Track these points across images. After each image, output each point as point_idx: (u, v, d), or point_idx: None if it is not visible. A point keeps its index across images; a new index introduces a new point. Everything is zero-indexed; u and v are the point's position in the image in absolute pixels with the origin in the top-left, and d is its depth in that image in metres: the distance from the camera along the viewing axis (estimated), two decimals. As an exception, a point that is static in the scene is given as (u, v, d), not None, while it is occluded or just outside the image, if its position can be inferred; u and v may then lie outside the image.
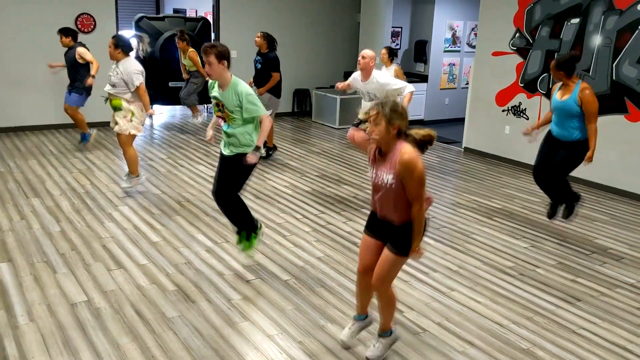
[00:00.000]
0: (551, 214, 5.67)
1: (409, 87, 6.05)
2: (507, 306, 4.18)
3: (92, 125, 8.52)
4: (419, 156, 2.94)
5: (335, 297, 4.18)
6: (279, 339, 3.61)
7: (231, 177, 4.38)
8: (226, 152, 4.37)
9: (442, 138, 10.18)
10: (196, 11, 15.81)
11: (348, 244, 5.20)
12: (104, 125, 9.33)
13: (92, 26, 9.25)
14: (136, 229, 5.31)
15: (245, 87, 4.18)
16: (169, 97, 10.72)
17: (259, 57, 7.76)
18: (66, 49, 7.74)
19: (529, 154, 8.12)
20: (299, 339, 3.61)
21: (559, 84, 5.34)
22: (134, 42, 6.02)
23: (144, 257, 4.73)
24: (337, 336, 3.65)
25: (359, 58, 5.95)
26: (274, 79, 7.68)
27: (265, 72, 7.69)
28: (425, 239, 5.38)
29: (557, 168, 5.35)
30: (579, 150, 5.21)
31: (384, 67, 8.02)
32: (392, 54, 7.99)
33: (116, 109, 5.94)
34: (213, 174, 7.13)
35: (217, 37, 10.54)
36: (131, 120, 5.96)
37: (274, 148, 8.07)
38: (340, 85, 6.43)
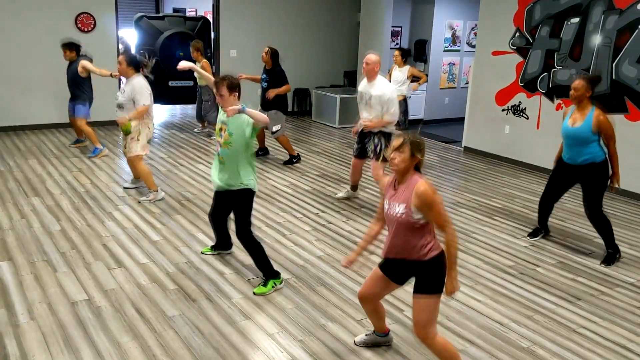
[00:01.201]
0: (532, 234, 5.55)
1: (393, 116, 5.75)
2: (507, 305, 4.18)
3: (92, 125, 8.50)
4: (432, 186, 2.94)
5: (336, 296, 4.19)
6: (279, 337, 3.62)
7: (239, 211, 4.28)
8: (222, 184, 4.23)
9: (442, 137, 10.19)
10: (196, 10, 15.81)
11: (348, 242, 5.20)
12: (104, 125, 9.34)
13: (92, 25, 9.25)
14: (136, 228, 5.31)
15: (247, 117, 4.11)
16: (169, 97, 10.73)
17: (264, 75, 7.64)
18: (68, 62, 7.61)
19: (529, 153, 8.14)
20: (299, 338, 3.62)
21: (570, 109, 4.97)
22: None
23: (144, 256, 4.73)
24: (338, 335, 3.66)
25: (363, 64, 5.79)
26: (286, 88, 7.57)
27: (273, 87, 7.56)
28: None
29: (591, 202, 4.99)
30: (599, 172, 4.91)
31: (396, 67, 8.01)
32: (405, 54, 8.05)
33: (126, 132, 5.81)
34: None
35: (217, 37, 10.54)
36: (138, 140, 5.89)
37: (298, 157, 7.97)
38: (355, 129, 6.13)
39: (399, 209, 2.94)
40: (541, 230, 5.55)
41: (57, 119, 9.28)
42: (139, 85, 5.76)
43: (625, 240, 5.59)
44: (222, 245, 4.80)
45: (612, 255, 5.05)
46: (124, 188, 6.34)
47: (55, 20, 8.96)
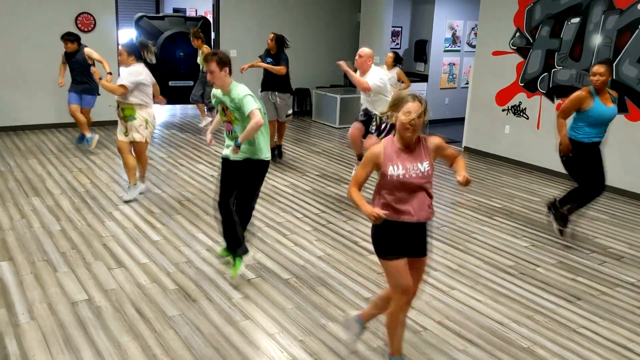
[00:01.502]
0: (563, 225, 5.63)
1: (371, 85, 6.00)
2: (507, 305, 4.18)
3: (92, 124, 8.49)
4: None
5: (336, 296, 4.19)
6: (279, 337, 3.62)
7: (247, 183, 4.32)
8: (233, 157, 4.26)
9: (442, 138, 10.17)
10: (196, 10, 15.81)
11: (349, 243, 5.20)
12: (104, 125, 9.33)
13: (92, 25, 9.25)
14: (137, 228, 5.31)
15: (240, 90, 4.13)
16: (169, 97, 10.72)
17: (270, 59, 7.68)
18: (70, 53, 7.63)
19: (529, 153, 8.14)
20: (299, 338, 3.62)
21: (589, 93, 5.08)
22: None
23: (144, 256, 4.73)
24: (338, 335, 3.66)
25: (356, 57, 6.03)
26: (279, 69, 7.58)
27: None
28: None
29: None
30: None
31: (385, 68, 8.07)
32: (397, 60, 8.35)
33: (129, 118, 5.77)
34: (213, 173, 7.15)
35: (217, 37, 10.54)
36: (147, 128, 5.88)
37: (278, 148, 8.01)
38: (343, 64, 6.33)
39: (423, 166, 3.02)
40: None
41: (57, 119, 9.28)
42: (131, 70, 5.67)
43: (625, 239, 5.59)
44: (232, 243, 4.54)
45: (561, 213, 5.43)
46: (125, 200, 6.08)
47: (55, 20, 8.96)
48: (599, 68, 5.01)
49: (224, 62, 4.10)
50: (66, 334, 3.53)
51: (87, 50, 7.57)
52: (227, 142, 4.36)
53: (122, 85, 5.61)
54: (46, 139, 8.58)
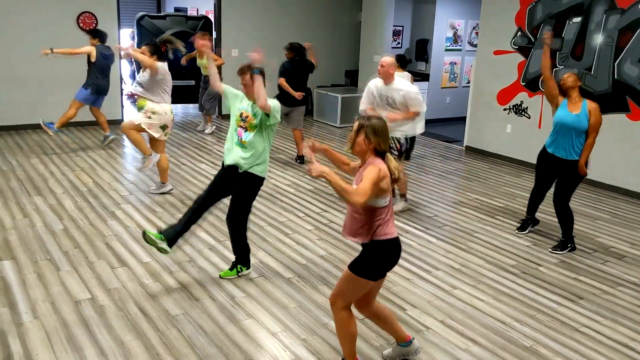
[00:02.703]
0: (520, 228, 5.66)
1: (421, 107, 5.76)
2: (509, 304, 4.19)
3: (92, 124, 8.51)
4: (385, 170, 2.92)
5: (338, 295, 4.19)
6: (282, 336, 3.62)
7: (241, 196, 4.26)
8: (236, 162, 4.15)
9: (443, 137, 10.19)
10: (197, 10, 15.79)
11: (350, 242, 5.19)
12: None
13: (93, 25, 9.24)
14: (139, 227, 5.31)
15: (274, 104, 4.11)
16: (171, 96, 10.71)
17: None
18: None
19: (531, 153, 8.13)
20: (302, 337, 3.62)
21: (563, 100, 5.15)
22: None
23: (147, 255, 4.73)
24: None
25: (379, 67, 5.67)
26: (281, 83, 7.70)
27: (302, 77, 7.79)
28: (427, 237, 5.41)
29: (562, 194, 5.17)
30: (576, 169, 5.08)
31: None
32: (403, 64, 7.98)
33: (140, 108, 6.01)
34: (214, 172, 7.14)
35: (219, 36, 10.53)
36: (149, 117, 5.97)
37: (302, 158, 8.06)
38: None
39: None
40: (529, 219, 5.70)
41: (58, 118, 9.27)
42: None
43: (627, 238, 5.60)
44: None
45: (564, 244, 5.24)
46: (150, 193, 6.30)
47: (57, 19, 8.96)
48: (567, 75, 5.17)
49: (262, 74, 4.00)
50: (69, 332, 3.54)
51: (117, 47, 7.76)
52: (231, 148, 4.20)
53: (153, 63, 5.79)
54: (48, 138, 8.58)
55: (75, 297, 3.98)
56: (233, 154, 4.17)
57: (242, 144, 4.15)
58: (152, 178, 6.80)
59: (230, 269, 4.42)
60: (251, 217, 5.58)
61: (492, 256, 5.05)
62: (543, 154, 5.32)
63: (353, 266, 3.03)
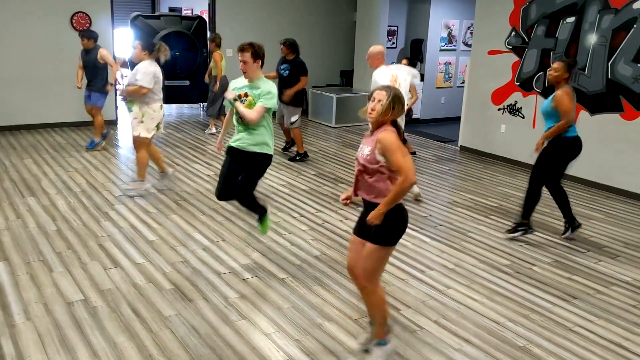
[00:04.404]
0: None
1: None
2: (503, 304, 4.19)
3: (91, 124, 8.48)
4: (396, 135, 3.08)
5: (333, 296, 4.19)
6: (276, 337, 3.61)
7: (249, 173, 4.53)
8: (239, 144, 4.45)
9: (438, 137, 10.20)
10: (192, 10, 15.79)
11: (345, 242, 5.20)
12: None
13: (87, 25, 9.22)
14: (133, 228, 5.30)
15: (272, 87, 4.35)
16: (164, 96, 10.69)
17: (285, 65, 7.72)
18: (85, 50, 7.69)
19: (525, 152, 8.14)
20: (296, 337, 3.62)
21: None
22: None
23: (140, 255, 4.72)
24: (335, 334, 3.66)
25: (367, 59, 6.32)
26: (303, 82, 7.70)
27: (293, 78, 7.69)
28: (421, 236, 5.41)
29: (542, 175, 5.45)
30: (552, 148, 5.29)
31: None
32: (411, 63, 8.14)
33: (130, 109, 6.01)
34: (210, 172, 7.15)
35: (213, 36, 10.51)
36: (142, 122, 5.95)
37: (305, 154, 8.08)
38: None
39: (365, 149, 3.12)
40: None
41: (52, 119, 9.26)
42: (144, 67, 5.84)
43: (620, 238, 5.61)
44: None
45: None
46: (125, 190, 6.28)
47: (51, 19, 8.94)
48: (554, 64, 5.16)
49: (259, 54, 4.26)
50: (62, 334, 3.53)
51: (102, 52, 7.66)
52: (237, 132, 4.50)
53: (142, 87, 5.79)
54: (42, 139, 8.55)
55: (68, 298, 3.97)
56: (237, 139, 4.46)
57: (244, 125, 4.36)
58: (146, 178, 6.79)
59: (262, 222, 4.80)
60: (246, 217, 5.59)
61: (486, 256, 5.05)
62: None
63: (379, 238, 3.10)
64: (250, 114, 4.30)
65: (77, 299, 3.96)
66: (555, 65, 5.15)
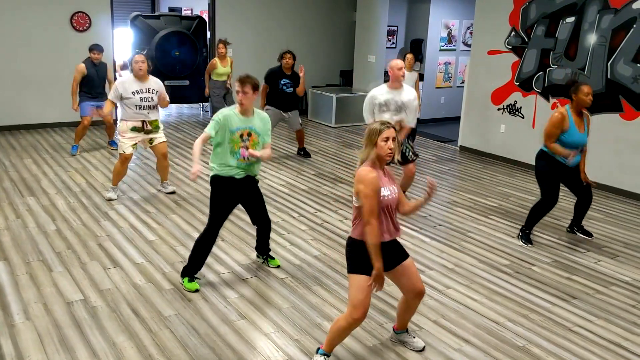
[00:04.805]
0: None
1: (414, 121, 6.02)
2: (503, 304, 4.19)
3: (92, 124, 8.45)
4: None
5: (332, 295, 4.19)
6: (275, 337, 3.62)
7: (260, 197, 4.51)
8: (250, 173, 4.30)
9: (437, 137, 10.20)
10: (192, 10, 15.78)
11: (344, 242, 5.19)
12: (100, 124, 9.31)
13: (87, 25, 9.22)
14: (132, 228, 5.30)
15: (264, 115, 4.30)
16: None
17: (287, 80, 7.73)
18: (92, 63, 7.64)
19: (525, 152, 8.15)
20: (295, 337, 3.62)
21: (567, 112, 5.02)
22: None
23: (140, 255, 4.72)
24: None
25: (391, 70, 5.70)
26: (301, 88, 7.84)
27: (295, 90, 7.80)
28: (421, 236, 5.42)
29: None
30: None
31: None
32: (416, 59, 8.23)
33: (157, 128, 6.06)
34: (209, 172, 7.13)
35: (213, 36, 10.52)
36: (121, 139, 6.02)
37: (304, 150, 8.36)
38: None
39: (394, 188, 3.20)
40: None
41: (52, 119, 9.26)
42: (160, 82, 6.00)
43: (620, 238, 5.61)
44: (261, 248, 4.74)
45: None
46: (166, 193, 6.34)
47: (50, 19, 8.93)
48: (589, 88, 4.95)
49: (257, 86, 4.12)
50: (62, 334, 3.53)
51: (109, 67, 7.77)
52: (234, 164, 4.23)
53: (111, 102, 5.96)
54: (41, 139, 8.55)
55: (67, 298, 3.97)
56: (243, 174, 4.27)
57: (244, 163, 4.20)
58: (146, 178, 6.80)
59: (272, 258, 4.69)
60: (245, 217, 5.59)
61: (486, 256, 5.06)
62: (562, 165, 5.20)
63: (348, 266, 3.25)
64: (269, 154, 4.28)
65: (77, 298, 3.96)
66: (589, 89, 4.95)
